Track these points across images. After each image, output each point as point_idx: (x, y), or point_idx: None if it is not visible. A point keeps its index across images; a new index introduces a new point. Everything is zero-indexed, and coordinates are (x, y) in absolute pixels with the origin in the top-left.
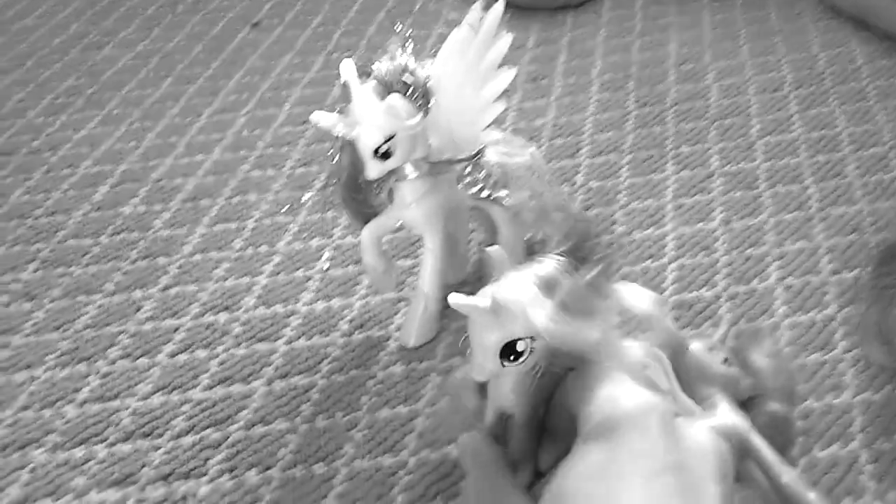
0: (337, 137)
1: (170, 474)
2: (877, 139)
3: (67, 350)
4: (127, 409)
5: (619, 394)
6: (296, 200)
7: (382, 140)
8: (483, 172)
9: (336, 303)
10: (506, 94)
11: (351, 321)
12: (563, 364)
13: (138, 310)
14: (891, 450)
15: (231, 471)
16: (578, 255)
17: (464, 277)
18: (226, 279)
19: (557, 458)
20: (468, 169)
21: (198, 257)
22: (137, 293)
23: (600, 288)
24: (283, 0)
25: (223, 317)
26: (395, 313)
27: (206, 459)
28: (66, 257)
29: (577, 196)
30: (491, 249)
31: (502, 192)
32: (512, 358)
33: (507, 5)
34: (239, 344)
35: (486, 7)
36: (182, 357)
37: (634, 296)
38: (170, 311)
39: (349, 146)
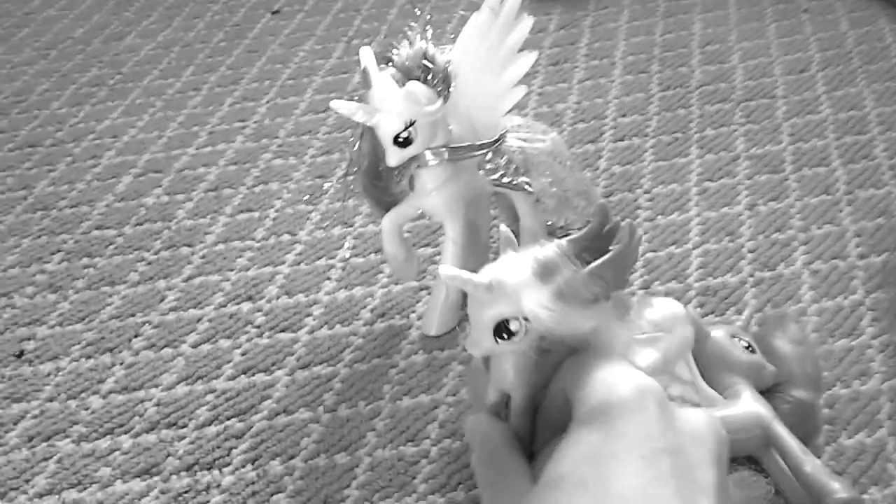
0: (357, 125)
1: (194, 464)
2: None
3: (92, 341)
4: (151, 399)
5: (614, 377)
6: (317, 189)
7: (402, 127)
8: (504, 158)
9: (358, 292)
10: (527, 78)
11: (373, 310)
12: (561, 348)
13: (162, 300)
14: None
15: (254, 461)
16: (591, 244)
17: (485, 264)
18: (248, 269)
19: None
20: (489, 155)
21: (221, 247)
22: (161, 283)
23: (605, 278)
24: None
25: (246, 306)
26: (417, 302)
27: (230, 449)
28: (91, 248)
29: (600, 181)
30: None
31: (524, 179)
32: (506, 336)
33: None
34: (262, 334)
35: None
36: (205, 347)
37: (659, 306)
38: (193, 301)
39: (369, 133)
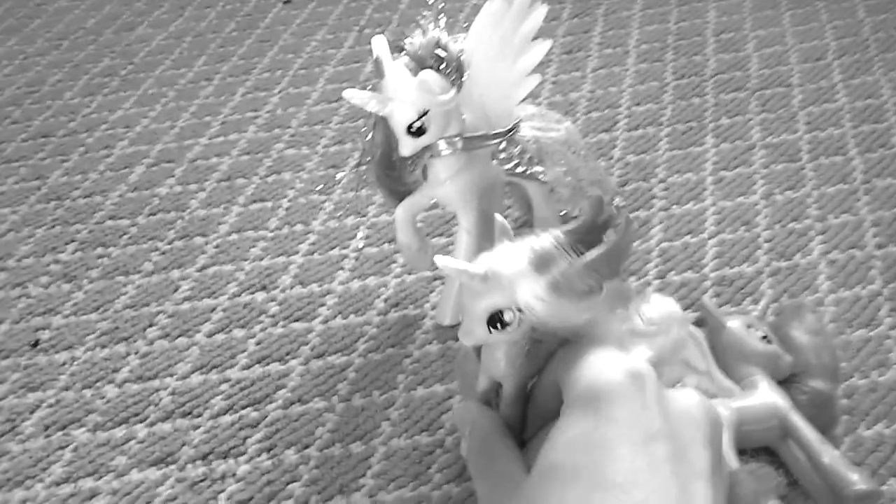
0: (370, 114)
1: (209, 453)
2: None
3: (107, 330)
4: (166, 388)
5: (604, 361)
6: (330, 179)
7: (416, 116)
8: (518, 148)
9: (371, 281)
10: (540, 66)
11: (386, 300)
12: (553, 339)
13: (176, 290)
14: None
15: (269, 450)
16: (586, 236)
17: None
18: (262, 258)
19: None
20: (503, 144)
21: (234, 237)
22: (175, 273)
23: (600, 270)
24: None
25: (260, 296)
26: (431, 292)
27: (245, 438)
28: (104, 238)
29: (615, 171)
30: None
31: (538, 168)
32: (499, 326)
33: None
34: (276, 323)
35: None
36: (220, 337)
37: (656, 304)
38: (207, 290)
39: (382, 123)
